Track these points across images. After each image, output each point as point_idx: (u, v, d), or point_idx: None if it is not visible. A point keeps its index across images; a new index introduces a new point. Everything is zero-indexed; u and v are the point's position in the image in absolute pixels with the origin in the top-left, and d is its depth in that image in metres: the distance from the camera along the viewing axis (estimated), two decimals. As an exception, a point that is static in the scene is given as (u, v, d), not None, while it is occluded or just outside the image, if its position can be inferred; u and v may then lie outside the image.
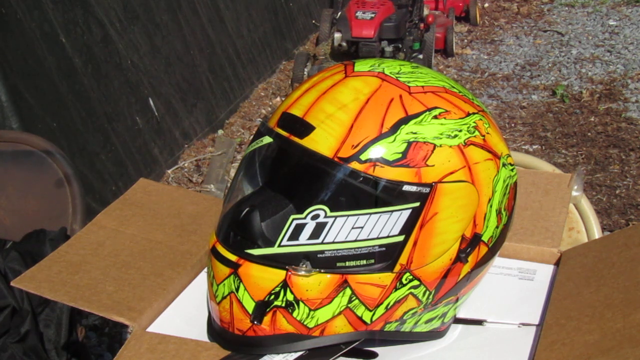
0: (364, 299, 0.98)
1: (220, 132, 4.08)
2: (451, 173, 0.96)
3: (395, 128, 0.94)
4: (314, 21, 5.57)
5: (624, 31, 5.55)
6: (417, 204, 0.94)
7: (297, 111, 0.97)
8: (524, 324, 1.09)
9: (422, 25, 4.81)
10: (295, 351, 1.00)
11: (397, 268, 0.97)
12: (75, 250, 1.18)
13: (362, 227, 0.94)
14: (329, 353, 1.00)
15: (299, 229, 0.94)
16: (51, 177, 1.81)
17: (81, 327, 1.67)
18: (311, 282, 0.96)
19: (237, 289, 0.98)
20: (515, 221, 1.15)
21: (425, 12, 4.85)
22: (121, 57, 3.38)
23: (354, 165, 0.93)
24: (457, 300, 1.05)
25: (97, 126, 3.13)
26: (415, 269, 0.98)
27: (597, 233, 1.51)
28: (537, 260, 1.22)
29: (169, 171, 3.60)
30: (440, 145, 0.95)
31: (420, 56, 4.69)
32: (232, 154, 3.78)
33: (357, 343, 1.01)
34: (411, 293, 0.99)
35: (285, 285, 0.96)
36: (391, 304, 0.99)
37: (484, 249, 1.02)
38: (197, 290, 1.16)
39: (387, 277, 0.97)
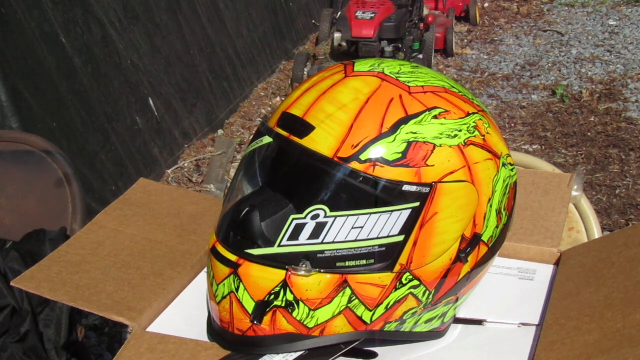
0: (364, 299, 0.98)
1: (220, 132, 4.08)
2: (451, 173, 0.96)
3: (395, 128, 0.94)
4: (314, 21, 5.57)
5: (624, 31, 5.55)
6: (417, 204, 0.94)
7: (297, 111, 0.97)
8: (524, 324, 1.09)
9: (422, 25, 4.82)
10: (295, 351, 1.00)
11: (397, 268, 0.97)
12: (75, 250, 1.18)
13: (362, 227, 0.94)
14: (329, 353, 1.00)
15: (299, 229, 0.94)
16: (51, 177, 1.81)
17: (81, 327, 1.67)
18: (311, 282, 0.96)
19: (237, 289, 0.98)
20: (515, 221, 1.15)
21: (425, 12, 4.85)
22: (121, 57, 3.38)
23: (354, 165, 0.93)
24: (457, 300, 1.05)
25: (97, 126, 3.13)
26: (415, 269, 0.98)
27: (597, 233, 1.51)
28: (537, 260, 1.22)
29: (169, 171, 3.60)
30: (440, 145, 0.95)
31: (420, 56, 4.69)
32: (232, 154, 3.78)
33: (357, 343, 1.01)
34: (411, 293, 0.99)
35: (285, 285, 0.96)
36: (391, 304, 0.99)
37: (484, 249, 1.02)
38: (197, 290, 1.16)
39: (387, 277, 0.97)
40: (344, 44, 4.51)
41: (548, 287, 1.16)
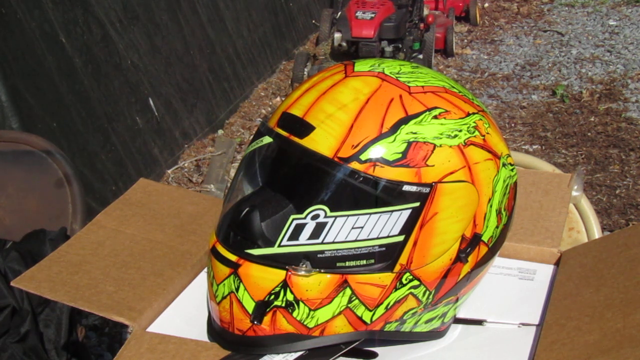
0: (364, 299, 0.98)
1: (220, 132, 4.08)
2: (451, 173, 0.96)
3: (395, 128, 0.94)
4: (314, 21, 5.57)
5: (624, 31, 5.55)
6: (417, 204, 0.94)
7: (297, 111, 0.97)
8: (524, 324, 1.09)
9: (422, 25, 4.82)
10: (295, 351, 1.00)
11: (397, 268, 0.97)
12: (75, 250, 1.18)
13: (362, 227, 0.94)
14: (329, 353, 1.00)
15: (299, 229, 0.94)
16: (51, 177, 1.81)
17: (81, 327, 1.67)
18: (311, 282, 0.96)
19: (237, 289, 0.98)
20: (515, 221, 1.15)
21: (425, 12, 4.85)
22: (121, 57, 3.38)
23: (354, 165, 0.93)
24: (457, 300, 1.05)
25: (97, 126, 3.13)
26: (415, 269, 0.98)
27: (597, 233, 1.51)
28: (537, 260, 1.22)
29: (169, 171, 3.60)
30: (440, 145, 0.95)
31: (420, 56, 4.69)
32: (232, 154, 3.78)
33: (357, 343, 1.01)
34: (411, 293, 0.99)
35: (285, 285, 0.96)
36: (391, 304, 0.99)
37: (484, 249, 1.02)
38: (197, 290, 1.16)
39: (387, 277, 0.97)
40: (344, 44, 4.51)
41: (548, 287, 1.16)
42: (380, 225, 0.94)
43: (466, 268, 1.01)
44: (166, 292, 1.12)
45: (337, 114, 0.95)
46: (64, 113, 2.94)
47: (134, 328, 1.05)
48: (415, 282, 0.99)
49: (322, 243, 0.94)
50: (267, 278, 0.97)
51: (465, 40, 5.52)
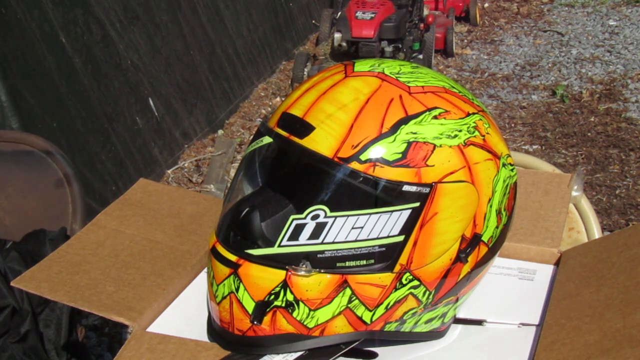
0: (364, 299, 0.98)
1: (220, 132, 4.08)
2: (451, 173, 0.96)
3: (395, 128, 0.94)
4: (314, 21, 5.57)
5: (624, 31, 5.55)
6: (417, 204, 0.94)
7: (297, 111, 0.97)
8: (524, 324, 1.09)
9: (422, 25, 4.82)
10: (295, 351, 1.00)
11: (397, 268, 0.97)
12: (75, 250, 1.18)
13: (362, 227, 0.94)
14: (329, 353, 1.00)
15: (299, 229, 0.94)
16: (51, 177, 1.81)
17: (81, 327, 1.67)
18: (311, 282, 0.96)
19: (237, 289, 0.98)
20: (515, 221, 1.15)
21: (425, 12, 4.85)
22: (121, 57, 3.38)
23: (354, 165, 0.93)
24: (457, 300, 1.05)
25: (97, 126, 3.13)
26: (415, 269, 0.98)
27: (597, 233, 1.51)
28: (537, 260, 1.22)
29: (169, 171, 3.60)
30: (440, 146, 0.95)
31: (420, 56, 4.69)
32: (232, 154, 3.78)
33: (357, 343, 1.01)
34: (411, 293, 0.99)
35: (285, 285, 0.96)
36: (391, 304, 0.99)
37: (484, 249, 1.02)
38: (197, 290, 1.16)
39: (387, 277, 0.97)
40: (344, 44, 4.51)
41: (548, 287, 1.16)
42: (380, 225, 0.94)
43: (466, 268, 1.01)
44: (166, 292, 1.12)
45: (337, 114, 0.95)
46: (64, 113, 2.94)
47: (134, 328, 1.05)
48: (415, 282, 0.99)
49: (322, 243, 0.94)
50: (267, 278, 0.97)
51: (465, 40, 5.52)
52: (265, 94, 4.59)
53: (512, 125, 4.17)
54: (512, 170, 1.04)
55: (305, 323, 0.98)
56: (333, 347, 1.00)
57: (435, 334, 1.07)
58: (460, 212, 0.97)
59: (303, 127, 0.95)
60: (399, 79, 0.99)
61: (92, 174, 3.00)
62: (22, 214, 1.80)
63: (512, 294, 1.16)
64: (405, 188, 0.94)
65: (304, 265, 0.95)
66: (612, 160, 3.74)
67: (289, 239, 0.95)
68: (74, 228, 1.75)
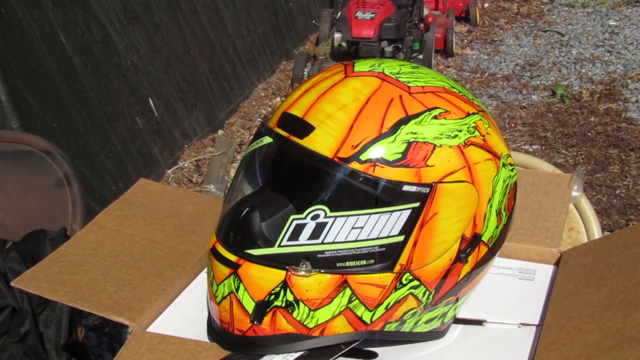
0: (364, 299, 0.98)
1: (220, 132, 4.08)
2: (451, 173, 0.96)
3: (395, 128, 0.94)
4: (314, 21, 5.57)
5: (624, 31, 5.55)
6: (417, 204, 0.94)
7: (297, 111, 0.97)
8: (524, 324, 1.09)
9: (422, 25, 4.82)
10: (295, 351, 1.00)
11: (397, 268, 0.97)
12: (75, 250, 1.18)
13: (362, 227, 0.94)
14: (329, 353, 1.00)
15: (299, 229, 0.94)
16: (51, 177, 1.81)
17: (81, 327, 1.67)
18: (311, 282, 0.96)
19: (237, 289, 0.98)
20: (515, 221, 1.15)
21: (425, 12, 4.85)
22: (121, 57, 3.38)
23: (354, 165, 0.93)
24: (457, 300, 1.05)
25: (97, 126, 3.13)
26: (415, 269, 0.98)
27: (597, 233, 1.51)
28: (537, 260, 1.22)
29: (169, 171, 3.60)
30: (440, 146, 0.95)
31: (420, 56, 4.69)
32: (232, 154, 3.78)
33: (357, 343, 1.01)
34: (411, 293, 0.99)
35: (285, 285, 0.96)
36: (391, 304, 0.99)
37: (484, 249, 1.02)
38: (197, 290, 1.16)
39: (387, 277, 0.97)
40: (344, 44, 4.51)
41: (548, 287, 1.16)
42: (380, 225, 0.94)
43: (466, 268, 1.01)
44: (166, 292, 1.12)
45: (337, 114, 0.95)
46: (64, 113, 2.94)
47: (134, 328, 1.05)
48: (415, 282, 0.99)
49: (322, 243, 0.94)
50: (267, 278, 0.97)
51: (465, 41, 5.52)
52: (265, 94, 4.59)
53: (512, 125, 4.17)
54: (512, 170, 1.04)
55: (305, 323, 0.98)
56: (333, 347, 1.00)
57: (435, 334, 1.07)
58: (460, 212, 0.97)
59: (303, 127, 0.95)
60: (399, 79, 0.99)
61: (92, 174, 3.00)
62: (22, 214, 1.80)
63: (512, 294, 1.16)
64: (405, 188, 0.94)
65: (304, 265, 0.95)
66: (612, 160, 3.74)
67: (289, 239, 0.95)
68: (74, 228, 1.75)
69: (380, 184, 0.93)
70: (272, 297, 0.97)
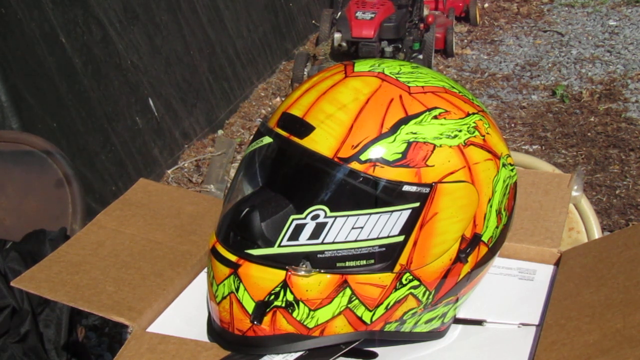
0: (364, 299, 0.98)
1: (220, 132, 4.08)
2: (451, 173, 0.96)
3: (395, 128, 0.94)
4: (314, 21, 5.57)
5: (624, 31, 5.55)
6: (417, 204, 0.94)
7: (297, 111, 0.97)
8: (524, 324, 1.09)
9: (422, 25, 4.81)
10: (295, 351, 1.00)
11: (397, 268, 0.97)
12: (75, 250, 1.18)
13: (362, 227, 0.94)
14: (329, 353, 1.00)
15: (299, 229, 0.94)
16: (51, 177, 1.81)
17: (81, 327, 1.67)
18: (311, 282, 0.96)
19: (237, 289, 0.98)
20: (515, 221, 1.15)
21: (425, 12, 4.85)
22: (121, 57, 3.38)
23: (354, 165, 0.93)
24: (457, 300, 1.05)
25: (97, 126, 3.13)
26: (415, 269, 0.98)
27: (597, 233, 1.51)
28: (537, 260, 1.22)
29: (169, 171, 3.60)
30: (440, 146, 0.95)
31: (420, 56, 4.69)
32: (232, 154, 3.78)
33: (357, 343, 1.01)
34: (411, 293, 0.99)
35: (285, 285, 0.96)
36: (391, 304, 0.99)
37: (484, 249, 1.02)
38: (197, 290, 1.16)
39: (387, 277, 0.97)
40: (344, 44, 4.51)
41: (548, 287, 1.16)
42: (380, 225, 0.94)
43: (466, 268, 1.01)
44: (166, 292, 1.12)
45: (337, 114, 0.95)
46: (64, 113, 2.94)
47: (134, 328, 1.05)
48: (415, 282, 0.99)
49: (322, 243, 0.94)
50: (267, 278, 0.97)
51: (465, 41, 5.52)
52: (265, 94, 4.59)
53: (512, 125, 4.17)
54: (512, 170, 1.04)
55: (305, 323, 0.98)
56: (333, 347, 1.00)
57: (435, 334, 1.07)
58: (460, 212, 0.97)
59: (303, 127, 0.95)
60: (399, 79, 0.99)
61: (92, 174, 3.00)
62: (22, 214, 1.80)
63: (512, 294, 1.16)
64: (405, 188, 0.94)
65: (304, 266, 0.96)
66: (612, 160, 3.74)
67: (289, 239, 0.95)
68: (74, 228, 1.75)
69: (380, 184, 0.93)
70: (272, 297, 0.97)
